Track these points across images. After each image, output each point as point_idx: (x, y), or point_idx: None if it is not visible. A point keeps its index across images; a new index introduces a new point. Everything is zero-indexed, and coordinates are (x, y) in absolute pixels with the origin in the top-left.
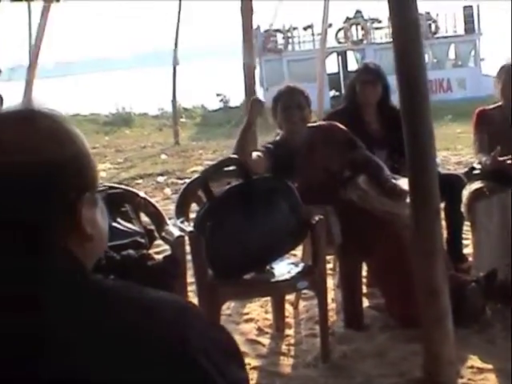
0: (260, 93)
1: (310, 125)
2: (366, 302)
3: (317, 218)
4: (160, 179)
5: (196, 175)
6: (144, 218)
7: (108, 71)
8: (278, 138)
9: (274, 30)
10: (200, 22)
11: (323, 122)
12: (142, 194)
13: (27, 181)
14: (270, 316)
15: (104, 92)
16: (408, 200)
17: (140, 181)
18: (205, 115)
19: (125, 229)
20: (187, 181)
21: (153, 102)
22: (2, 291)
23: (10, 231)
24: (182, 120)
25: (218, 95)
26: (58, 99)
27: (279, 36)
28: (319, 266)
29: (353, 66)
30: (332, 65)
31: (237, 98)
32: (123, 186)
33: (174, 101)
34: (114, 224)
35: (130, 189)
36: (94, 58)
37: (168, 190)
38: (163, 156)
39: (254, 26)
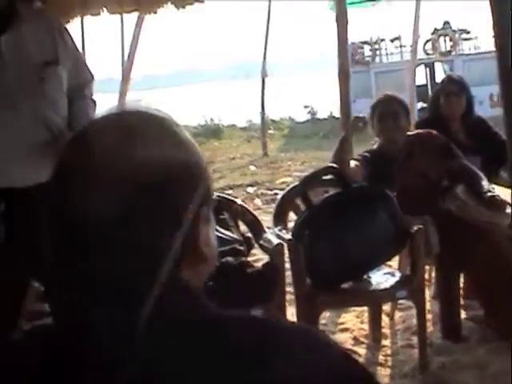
0: None
1: (408, 133)
2: (462, 314)
3: (416, 228)
4: (250, 190)
5: (285, 186)
6: (241, 225)
7: (196, 83)
8: (375, 146)
9: (362, 42)
10: (288, 35)
11: (421, 131)
12: (239, 201)
13: (132, 197)
14: (365, 326)
15: (192, 104)
16: (508, 210)
17: (230, 191)
18: (292, 127)
19: (223, 236)
20: (277, 191)
21: (241, 114)
22: (117, 330)
23: (115, 259)
24: (269, 131)
25: (305, 107)
26: None
27: (366, 48)
28: (418, 276)
29: (441, 77)
30: (420, 76)
31: (324, 109)
32: (221, 194)
33: (262, 112)
34: None
35: (228, 196)
36: (181, 70)
37: (258, 201)
38: (252, 167)
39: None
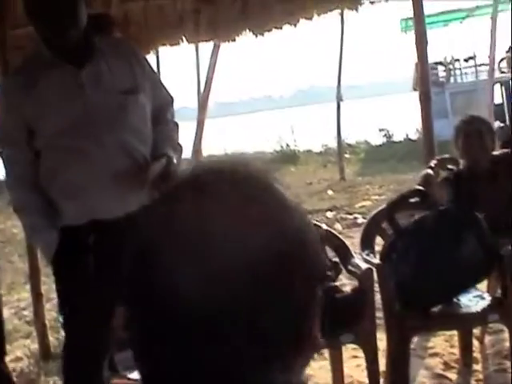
0: None
1: (493, 153)
2: None
3: (505, 249)
4: (329, 215)
5: (365, 210)
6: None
7: (270, 110)
8: (460, 167)
9: (435, 62)
10: (360, 58)
11: (506, 150)
12: (324, 226)
13: (239, 281)
14: (455, 350)
15: (267, 130)
16: None
17: (309, 216)
18: (368, 150)
19: None
20: (357, 216)
21: (316, 139)
22: None
23: (218, 353)
24: (346, 156)
25: (380, 130)
26: (222, 139)
27: (440, 68)
28: (509, 299)
29: None
30: (495, 95)
31: (399, 132)
32: None
33: (338, 137)
34: None
35: (313, 221)
36: (255, 97)
37: (338, 226)
38: (330, 192)
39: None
